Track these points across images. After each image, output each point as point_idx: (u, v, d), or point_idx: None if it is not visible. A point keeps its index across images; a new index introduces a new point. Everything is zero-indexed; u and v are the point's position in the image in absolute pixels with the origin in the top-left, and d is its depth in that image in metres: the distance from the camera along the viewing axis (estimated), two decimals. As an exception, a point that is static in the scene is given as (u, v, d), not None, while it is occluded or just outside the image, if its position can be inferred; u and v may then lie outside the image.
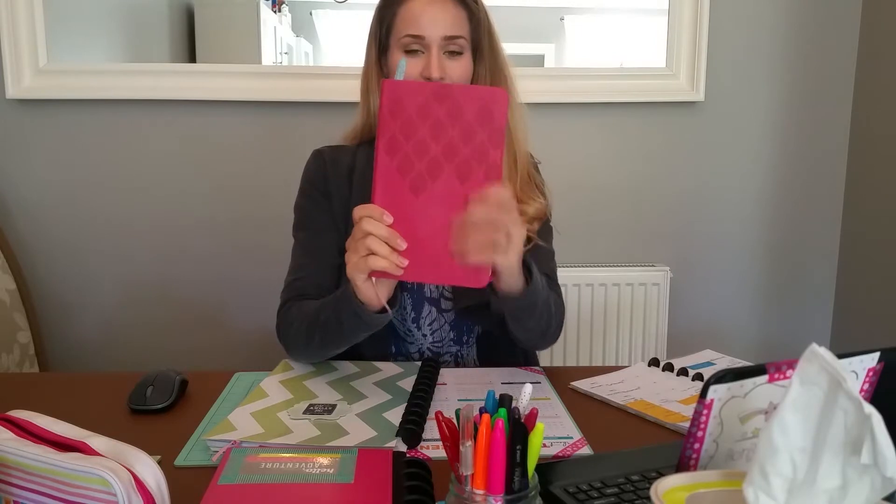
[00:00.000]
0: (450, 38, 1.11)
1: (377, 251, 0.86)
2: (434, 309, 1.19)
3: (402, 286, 1.15)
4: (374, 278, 0.90)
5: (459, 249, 0.86)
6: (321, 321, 1.03)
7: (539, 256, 1.14)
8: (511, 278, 0.94)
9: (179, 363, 1.22)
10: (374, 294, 0.92)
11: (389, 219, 0.87)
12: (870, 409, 0.45)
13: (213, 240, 1.87)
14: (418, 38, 1.11)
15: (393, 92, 0.86)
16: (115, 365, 1.87)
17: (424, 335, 1.20)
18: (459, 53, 1.13)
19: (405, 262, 0.87)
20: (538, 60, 2.04)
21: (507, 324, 1.06)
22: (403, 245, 0.87)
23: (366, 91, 1.20)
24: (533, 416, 0.59)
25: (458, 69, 1.13)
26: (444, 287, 1.19)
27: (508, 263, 0.89)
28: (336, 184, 1.20)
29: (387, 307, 0.94)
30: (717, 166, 1.93)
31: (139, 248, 1.86)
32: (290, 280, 1.18)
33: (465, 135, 0.86)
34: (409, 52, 1.12)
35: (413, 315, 1.19)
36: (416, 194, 0.87)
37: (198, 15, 2.07)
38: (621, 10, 2.05)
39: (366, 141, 1.23)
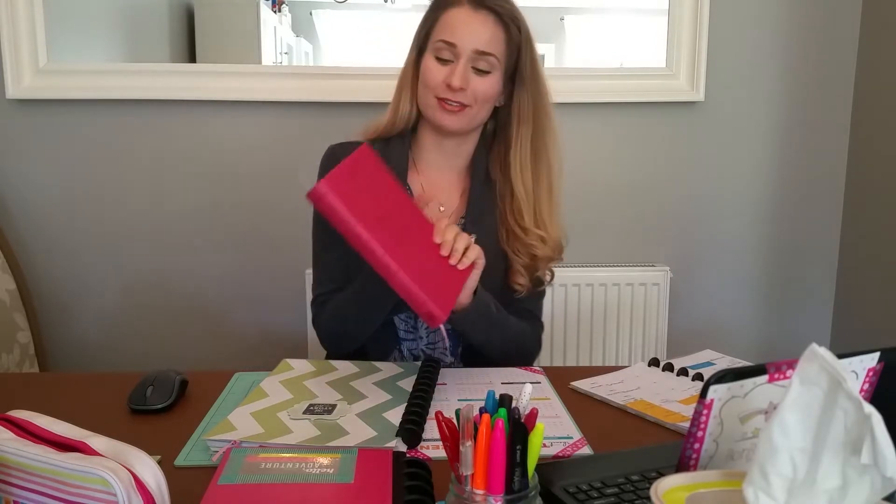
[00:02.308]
0: (481, 53, 1.14)
1: None
2: None
3: None
4: None
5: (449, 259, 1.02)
6: (355, 296, 1.13)
7: (533, 293, 1.24)
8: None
9: (179, 363, 1.22)
10: None
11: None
12: (870, 409, 0.45)
13: (213, 240, 1.87)
14: (451, 45, 1.13)
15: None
16: (115, 365, 1.87)
17: (421, 337, 1.22)
18: (487, 72, 1.15)
19: None
20: (538, 60, 2.04)
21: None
22: None
23: (400, 88, 1.23)
24: (533, 416, 0.59)
25: (483, 86, 1.15)
26: None
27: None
28: None
29: None
30: (717, 166, 1.93)
31: (139, 248, 1.86)
32: (315, 296, 1.25)
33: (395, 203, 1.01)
34: (440, 58, 1.15)
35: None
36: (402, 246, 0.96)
37: (198, 15, 2.08)
38: (621, 10, 2.05)
39: (382, 138, 1.24)
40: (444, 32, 1.14)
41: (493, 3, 1.14)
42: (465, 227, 1.22)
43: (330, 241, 1.23)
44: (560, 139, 1.23)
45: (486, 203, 1.22)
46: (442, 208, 1.24)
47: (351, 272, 1.20)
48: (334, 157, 1.24)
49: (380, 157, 1.20)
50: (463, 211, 1.23)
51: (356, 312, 1.15)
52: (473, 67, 1.14)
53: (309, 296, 1.61)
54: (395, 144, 1.23)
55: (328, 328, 1.21)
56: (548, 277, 1.25)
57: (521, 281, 1.20)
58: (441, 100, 1.15)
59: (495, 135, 1.25)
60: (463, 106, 1.15)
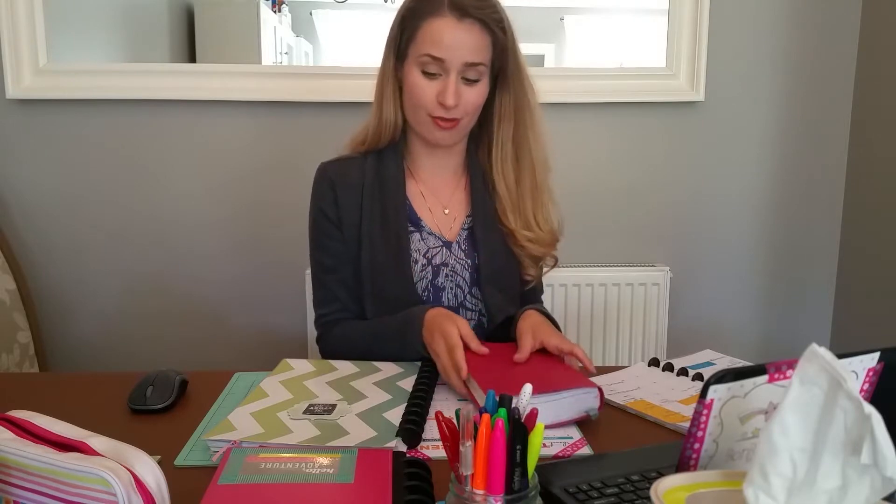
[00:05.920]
0: (470, 65, 1.11)
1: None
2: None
3: (420, 298, 1.20)
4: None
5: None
6: (379, 341, 1.14)
7: (535, 288, 1.27)
8: None
9: (179, 363, 1.22)
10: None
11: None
12: (870, 409, 0.45)
13: (212, 239, 1.87)
14: (438, 60, 1.11)
15: None
16: (115, 365, 1.87)
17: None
18: (476, 80, 1.14)
19: None
20: (538, 60, 2.04)
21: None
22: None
23: (380, 97, 1.20)
24: (533, 416, 0.59)
25: (474, 96, 1.14)
26: (464, 299, 1.22)
27: None
28: (346, 200, 1.20)
29: None
30: (717, 166, 1.93)
31: (139, 248, 1.86)
32: (318, 315, 1.24)
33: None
34: (426, 72, 1.13)
35: None
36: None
37: (198, 15, 2.08)
38: (621, 10, 2.05)
39: (373, 150, 1.22)
40: (430, 46, 1.11)
41: (476, 11, 1.10)
42: (473, 227, 1.22)
43: (330, 265, 1.22)
44: (545, 134, 1.22)
45: (488, 200, 1.22)
46: (447, 211, 1.24)
47: (352, 292, 1.21)
48: (327, 176, 1.22)
49: (376, 172, 1.20)
50: (468, 210, 1.23)
51: (367, 350, 1.13)
52: (463, 78, 1.12)
53: (309, 295, 1.61)
54: (388, 156, 1.22)
55: (334, 352, 1.20)
56: (551, 262, 1.26)
57: (532, 272, 1.22)
58: (434, 118, 1.14)
59: (481, 131, 1.24)
60: (457, 120, 1.15)
